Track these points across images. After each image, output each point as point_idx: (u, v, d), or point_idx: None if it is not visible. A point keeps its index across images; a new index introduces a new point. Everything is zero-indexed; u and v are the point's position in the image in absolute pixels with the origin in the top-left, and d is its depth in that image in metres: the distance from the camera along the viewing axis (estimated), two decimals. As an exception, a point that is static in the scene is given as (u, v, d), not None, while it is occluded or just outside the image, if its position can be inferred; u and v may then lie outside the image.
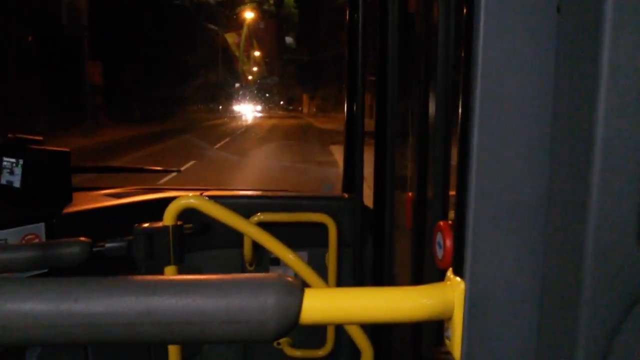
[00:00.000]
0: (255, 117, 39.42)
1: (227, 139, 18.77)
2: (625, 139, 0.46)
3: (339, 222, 1.83)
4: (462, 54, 0.55)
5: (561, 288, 0.52)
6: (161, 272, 1.28)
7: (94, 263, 1.17)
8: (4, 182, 1.60)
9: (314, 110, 49.51)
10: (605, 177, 0.46)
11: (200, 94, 38.33)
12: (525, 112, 0.53)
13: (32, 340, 0.49)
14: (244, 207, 1.69)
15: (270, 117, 39.20)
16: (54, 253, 1.13)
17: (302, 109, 59.57)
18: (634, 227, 0.48)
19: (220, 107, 42.15)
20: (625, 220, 0.48)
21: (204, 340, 0.51)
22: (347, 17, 1.87)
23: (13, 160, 1.60)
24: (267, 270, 1.94)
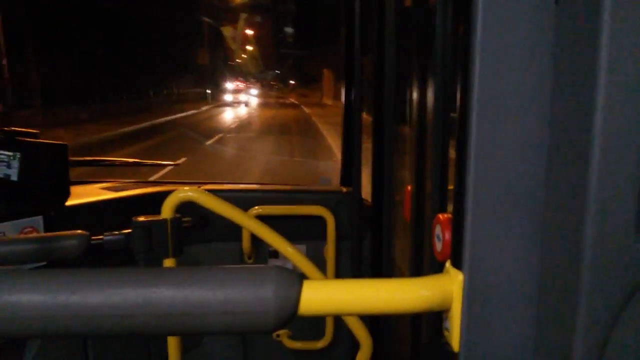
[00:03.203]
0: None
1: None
2: (624, 132, 0.46)
3: (337, 215, 1.83)
4: (460, 47, 0.55)
5: (559, 279, 0.52)
6: (160, 265, 1.28)
7: (93, 256, 1.17)
8: (1, 175, 1.60)
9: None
10: (603, 170, 0.47)
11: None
12: (524, 105, 0.53)
13: (30, 332, 0.49)
14: (243, 200, 1.69)
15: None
16: (52, 246, 1.13)
17: (322, 96, 34.67)
18: (632, 218, 0.48)
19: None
20: (624, 212, 0.48)
21: (203, 332, 0.51)
22: (344, 10, 1.87)
23: (10, 153, 1.59)
24: (265, 263, 1.95)
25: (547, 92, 0.53)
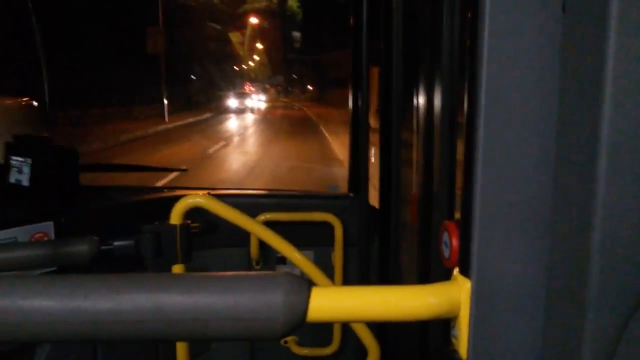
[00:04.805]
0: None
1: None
2: (631, 137, 0.46)
3: (344, 222, 1.83)
4: (467, 53, 0.55)
5: (567, 286, 0.52)
6: (169, 271, 1.29)
7: (102, 261, 1.18)
8: (13, 180, 1.62)
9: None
10: (610, 175, 0.47)
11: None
12: (531, 110, 0.53)
13: (41, 337, 0.49)
14: (251, 206, 1.69)
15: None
16: (63, 251, 1.14)
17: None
18: None
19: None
20: (632, 218, 0.48)
21: (211, 338, 0.52)
22: (352, 16, 1.88)
23: (22, 159, 1.61)
24: (273, 269, 1.95)
25: (554, 98, 0.53)
